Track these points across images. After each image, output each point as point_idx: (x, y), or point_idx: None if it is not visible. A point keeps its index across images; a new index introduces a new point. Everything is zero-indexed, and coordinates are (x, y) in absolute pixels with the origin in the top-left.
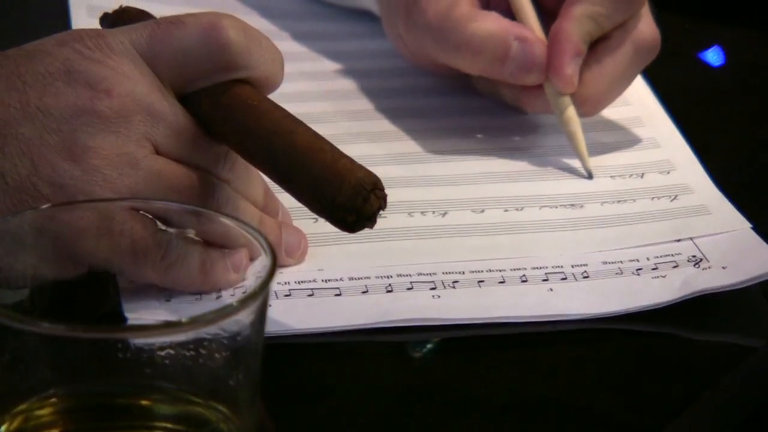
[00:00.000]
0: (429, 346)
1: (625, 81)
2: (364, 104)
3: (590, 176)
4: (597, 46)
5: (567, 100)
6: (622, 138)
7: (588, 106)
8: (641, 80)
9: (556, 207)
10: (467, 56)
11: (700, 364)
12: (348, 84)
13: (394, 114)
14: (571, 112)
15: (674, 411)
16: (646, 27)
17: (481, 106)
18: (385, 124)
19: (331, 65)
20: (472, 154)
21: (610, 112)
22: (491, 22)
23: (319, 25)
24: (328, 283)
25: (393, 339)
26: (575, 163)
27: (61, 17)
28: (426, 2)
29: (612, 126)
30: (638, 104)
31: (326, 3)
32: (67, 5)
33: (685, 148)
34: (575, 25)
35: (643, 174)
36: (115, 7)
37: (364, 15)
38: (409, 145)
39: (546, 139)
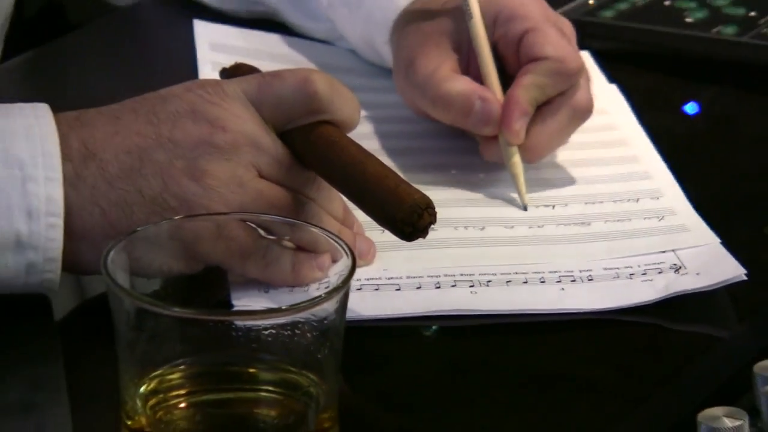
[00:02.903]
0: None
1: (563, 137)
2: (403, 143)
3: (525, 209)
4: (542, 108)
5: (514, 149)
6: (623, 171)
7: (531, 155)
8: (638, 126)
9: (569, 225)
10: (440, 109)
11: (678, 348)
12: (387, 127)
13: (434, 150)
14: (516, 159)
15: (658, 383)
16: (583, 96)
17: None
18: (428, 158)
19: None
20: (505, 185)
21: (612, 152)
22: (462, 84)
23: (359, 80)
24: (390, 280)
25: (439, 324)
26: (585, 190)
27: (191, 70)
28: (418, 64)
29: (614, 161)
30: (634, 145)
31: (363, 60)
32: (195, 61)
33: (670, 180)
34: (524, 91)
35: (638, 199)
36: (231, 63)
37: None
38: (449, 175)
39: (555, 177)
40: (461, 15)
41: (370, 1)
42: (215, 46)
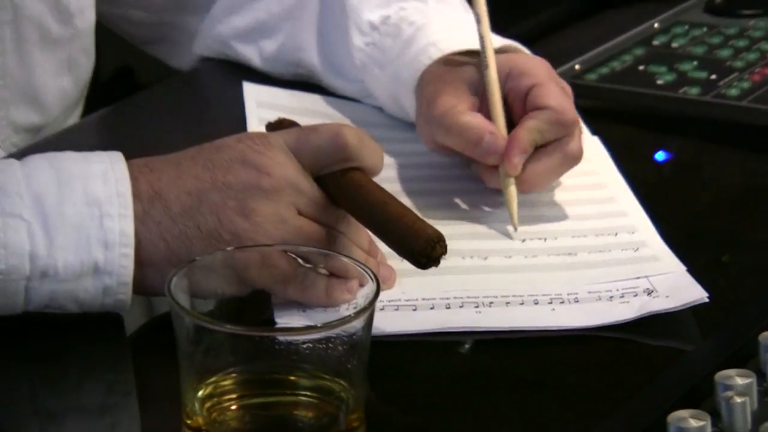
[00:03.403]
0: (467, 345)
1: (554, 177)
2: (419, 186)
3: (516, 230)
4: (539, 149)
5: (511, 180)
6: (603, 210)
7: (524, 186)
8: (616, 172)
9: (559, 255)
10: (455, 137)
11: (650, 360)
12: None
13: (444, 193)
14: (512, 188)
15: (634, 389)
16: (575, 144)
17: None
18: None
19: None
20: (504, 222)
21: (595, 194)
22: (475, 118)
23: (384, 133)
24: (408, 302)
25: (449, 339)
26: (572, 226)
27: (241, 124)
28: (438, 102)
29: (596, 202)
30: (613, 188)
31: (388, 115)
32: (245, 117)
33: (643, 216)
34: (526, 133)
35: (616, 233)
36: (275, 118)
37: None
38: (457, 213)
39: (547, 214)
40: (477, 68)
41: (398, 61)
42: (261, 103)
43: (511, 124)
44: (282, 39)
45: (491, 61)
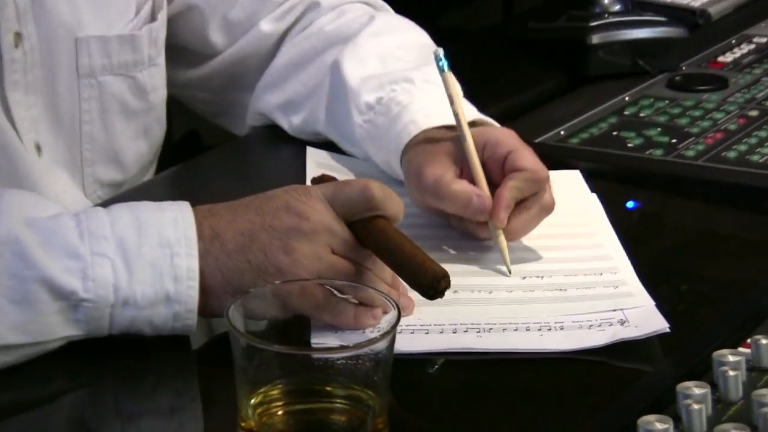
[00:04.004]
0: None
1: (533, 225)
2: (429, 232)
3: (510, 273)
4: (519, 204)
5: (500, 231)
6: (593, 254)
7: (511, 236)
8: (607, 222)
9: (552, 290)
10: (448, 203)
11: (622, 375)
12: None
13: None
14: (502, 238)
15: (608, 399)
16: (548, 197)
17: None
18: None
19: None
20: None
21: (587, 241)
22: (463, 185)
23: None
24: (422, 327)
25: (454, 357)
26: (565, 267)
27: (280, 178)
28: (426, 173)
29: (587, 247)
30: (602, 235)
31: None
32: (286, 172)
33: (626, 260)
34: (508, 191)
35: (601, 273)
36: (318, 174)
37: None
38: (466, 255)
39: (545, 257)
40: (455, 141)
41: (387, 136)
42: (319, 164)
43: (491, 185)
44: (304, 114)
45: (468, 135)
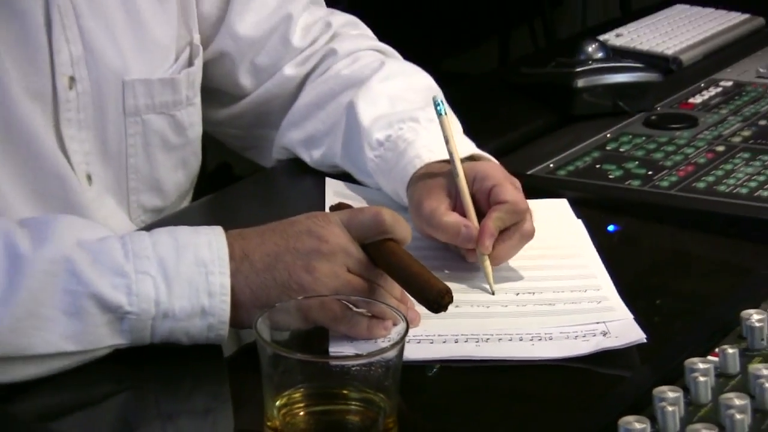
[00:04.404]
0: (435, 369)
1: (515, 251)
2: (434, 253)
3: (493, 293)
4: (503, 233)
5: (486, 257)
6: (578, 273)
7: (495, 261)
8: (591, 245)
9: (542, 305)
10: (440, 232)
11: (603, 380)
12: None
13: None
14: (487, 262)
15: (593, 401)
16: (528, 225)
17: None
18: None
19: None
20: (504, 281)
21: (573, 261)
22: (453, 217)
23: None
24: (427, 337)
25: (455, 364)
26: (554, 284)
27: (304, 206)
28: (425, 205)
29: (573, 267)
30: (587, 256)
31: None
32: (309, 201)
33: (608, 278)
34: (492, 222)
35: (585, 290)
36: (335, 203)
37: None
38: (463, 275)
39: (535, 275)
40: (450, 176)
41: (395, 170)
42: (337, 192)
43: (480, 213)
44: (324, 149)
45: (460, 171)
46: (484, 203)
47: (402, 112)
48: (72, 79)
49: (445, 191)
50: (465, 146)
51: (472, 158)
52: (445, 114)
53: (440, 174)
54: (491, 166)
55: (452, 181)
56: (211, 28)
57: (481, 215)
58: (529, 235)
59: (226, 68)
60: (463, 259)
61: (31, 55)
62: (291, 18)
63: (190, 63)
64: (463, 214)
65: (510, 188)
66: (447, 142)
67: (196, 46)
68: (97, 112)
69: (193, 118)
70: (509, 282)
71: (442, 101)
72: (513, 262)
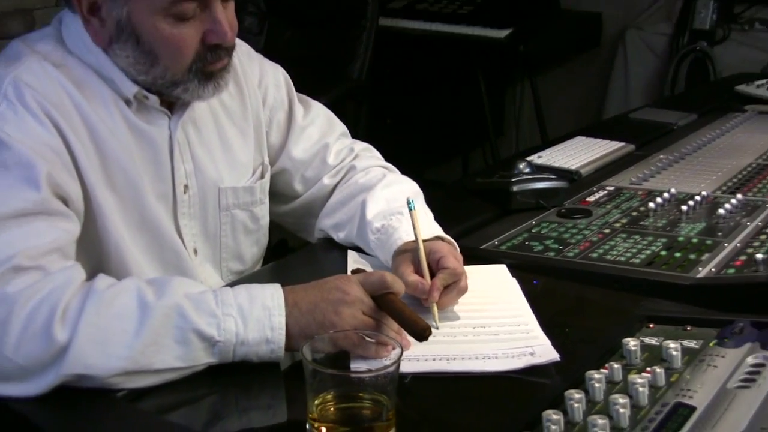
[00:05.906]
0: (409, 378)
1: (455, 301)
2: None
3: (438, 328)
4: (446, 288)
5: (434, 304)
6: (512, 313)
7: (441, 307)
8: (520, 292)
9: (489, 335)
10: (409, 288)
11: (532, 384)
12: None
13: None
14: (435, 308)
15: (523, 400)
16: (463, 284)
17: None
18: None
19: None
20: (465, 319)
21: (508, 305)
22: (414, 277)
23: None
24: (414, 357)
25: (433, 375)
26: (497, 322)
27: (341, 270)
28: (398, 269)
29: (508, 309)
30: (518, 303)
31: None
32: (347, 268)
33: (533, 316)
34: (439, 281)
35: (519, 324)
36: (355, 268)
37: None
38: (423, 316)
39: (487, 317)
40: (416, 250)
41: (386, 247)
42: (356, 261)
43: (433, 275)
44: (346, 232)
45: (421, 247)
46: (435, 268)
47: (393, 208)
48: (186, 187)
49: (411, 260)
50: (433, 229)
51: (439, 238)
52: (414, 209)
53: (409, 249)
54: (442, 244)
55: (416, 254)
56: (275, 153)
57: (433, 276)
58: (464, 290)
59: (285, 179)
60: (421, 304)
61: (159, 170)
62: (328, 146)
63: (262, 176)
64: (422, 275)
65: (452, 259)
66: (414, 228)
67: (266, 165)
68: (202, 209)
69: (264, 212)
70: (468, 319)
71: (412, 201)
72: (470, 307)
